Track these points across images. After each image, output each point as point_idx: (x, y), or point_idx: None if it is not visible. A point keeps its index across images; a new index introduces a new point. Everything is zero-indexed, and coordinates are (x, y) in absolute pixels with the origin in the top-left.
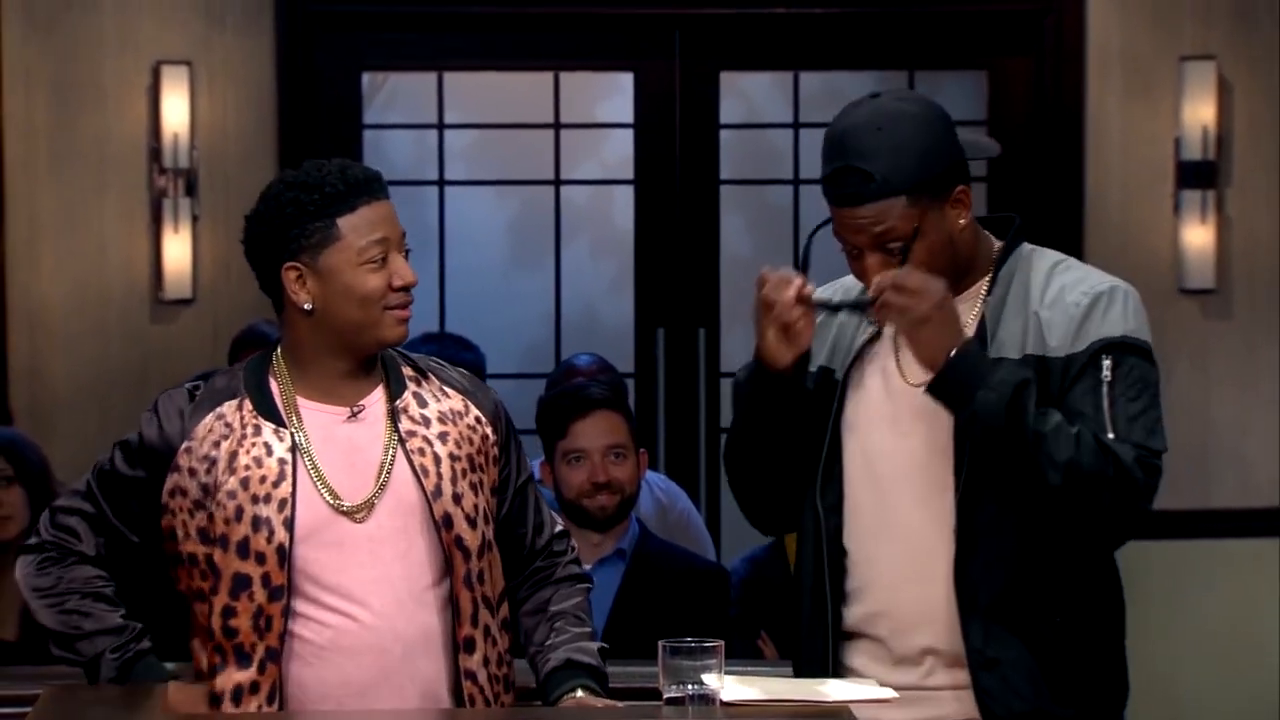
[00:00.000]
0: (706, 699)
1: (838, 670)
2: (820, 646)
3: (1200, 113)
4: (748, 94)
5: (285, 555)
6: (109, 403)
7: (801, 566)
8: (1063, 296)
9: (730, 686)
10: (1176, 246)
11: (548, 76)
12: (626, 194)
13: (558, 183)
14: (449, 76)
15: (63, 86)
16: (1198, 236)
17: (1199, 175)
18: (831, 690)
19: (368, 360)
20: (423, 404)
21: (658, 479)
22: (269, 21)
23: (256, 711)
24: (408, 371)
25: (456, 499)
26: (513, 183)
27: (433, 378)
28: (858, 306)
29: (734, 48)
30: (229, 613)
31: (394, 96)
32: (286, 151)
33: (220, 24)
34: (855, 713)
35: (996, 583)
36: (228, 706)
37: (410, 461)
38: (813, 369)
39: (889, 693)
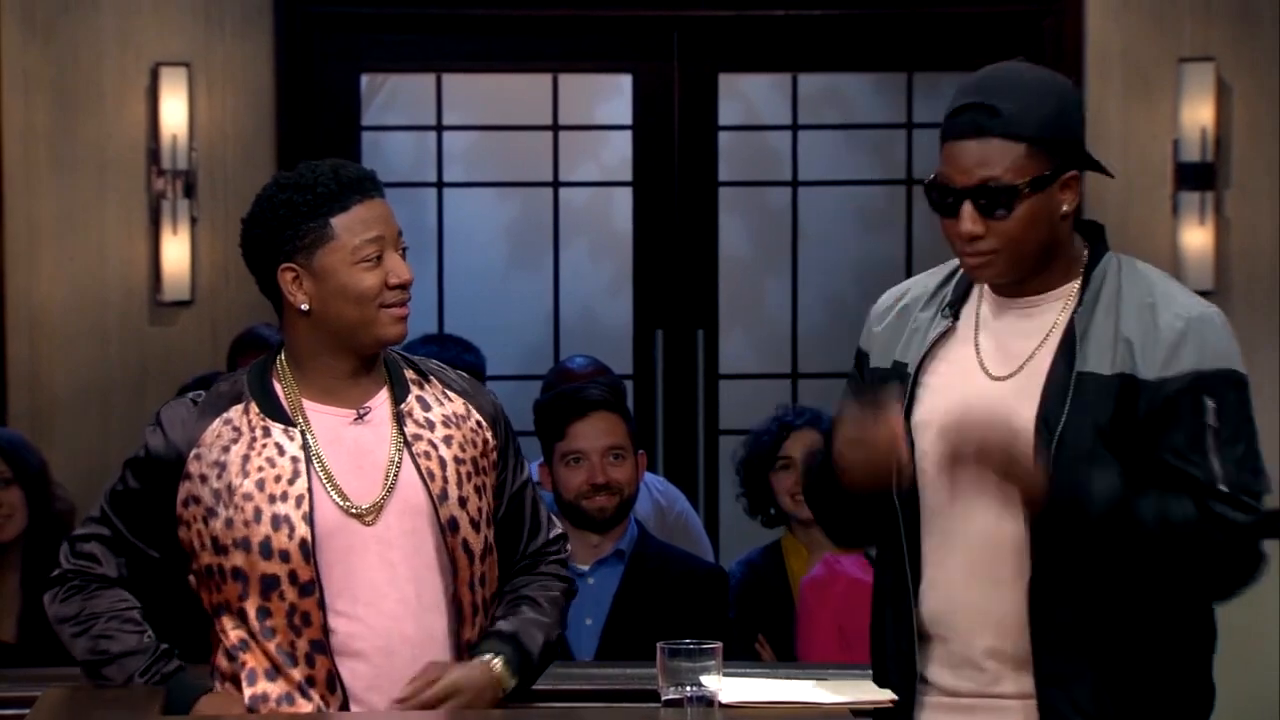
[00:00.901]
0: (705, 701)
1: (912, 673)
2: (900, 647)
3: (1199, 114)
4: (746, 95)
5: (309, 551)
6: (108, 405)
7: (880, 564)
8: (1155, 317)
9: (729, 688)
10: (1175, 248)
11: (546, 78)
12: (625, 195)
13: (556, 184)
14: (448, 78)
15: (62, 89)
16: (1196, 238)
17: (1198, 177)
18: (830, 692)
19: (369, 361)
20: (426, 407)
21: (656, 481)
22: (268, 23)
23: (315, 711)
24: (409, 374)
25: (462, 502)
26: (511, 184)
27: (434, 380)
28: None
29: (733, 49)
30: (264, 614)
31: (393, 98)
32: (285, 153)
33: (219, 26)
34: (855, 715)
35: (1073, 602)
36: (281, 708)
37: (417, 465)
38: (886, 365)
39: (888, 695)
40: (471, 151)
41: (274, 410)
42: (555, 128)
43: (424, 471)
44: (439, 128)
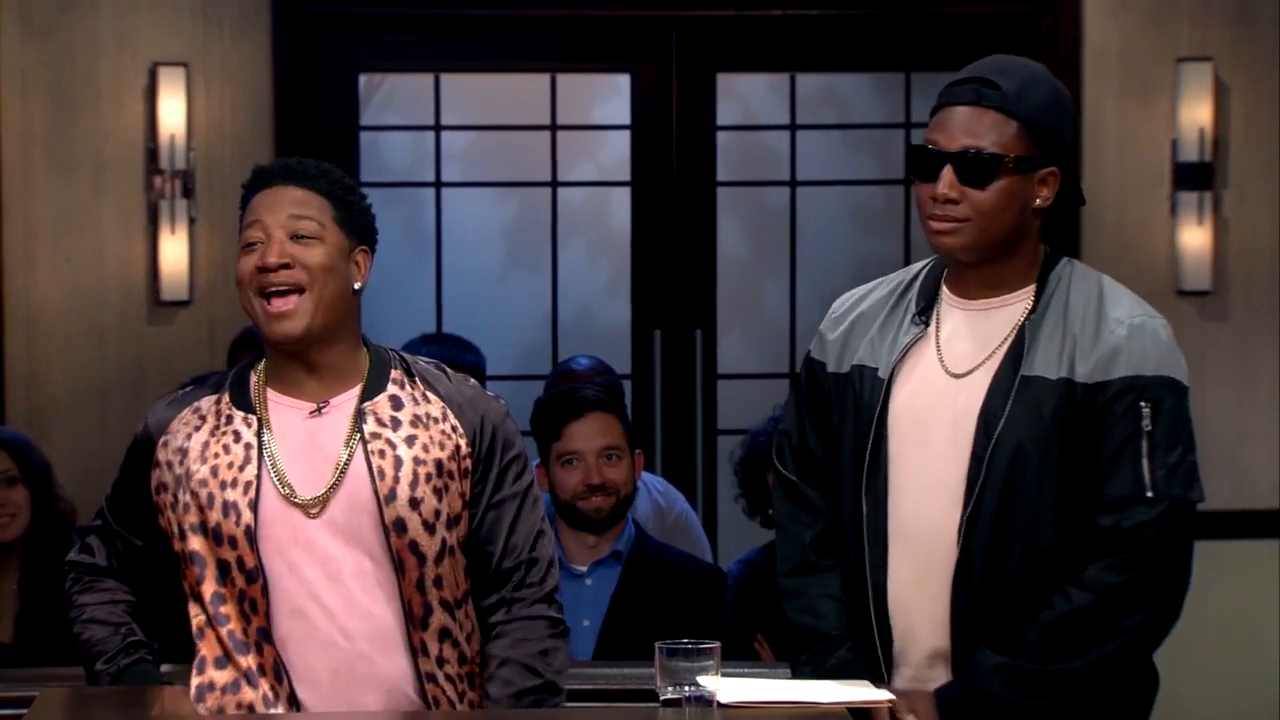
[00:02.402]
0: (703, 701)
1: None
2: (868, 649)
3: (1197, 114)
4: (744, 96)
5: (252, 537)
6: (106, 404)
7: (849, 557)
8: (1099, 322)
9: (727, 688)
10: (1173, 248)
11: (544, 78)
12: (623, 195)
13: (554, 184)
14: (446, 78)
15: (59, 89)
16: (1194, 238)
17: (1195, 177)
18: (827, 692)
19: (332, 356)
20: (397, 406)
21: (655, 481)
22: (266, 23)
23: (260, 698)
24: (395, 373)
25: (414, 503)
26: (509, 184)
27: (419, 381)
28: None
29: (731, 49)
30: (219, 599)
31: (391, 98)
32: (283, 153)
33: (217, 26)
34: (851, 715)
35: (988, 605)
36: (224, 698)
37: (369, 462)
38: (843, 370)
39: (886, 694)
40: (469, 151)
41: (241, 399)
42: (553, 128)
43: (375, 470)
44: (437, 127)
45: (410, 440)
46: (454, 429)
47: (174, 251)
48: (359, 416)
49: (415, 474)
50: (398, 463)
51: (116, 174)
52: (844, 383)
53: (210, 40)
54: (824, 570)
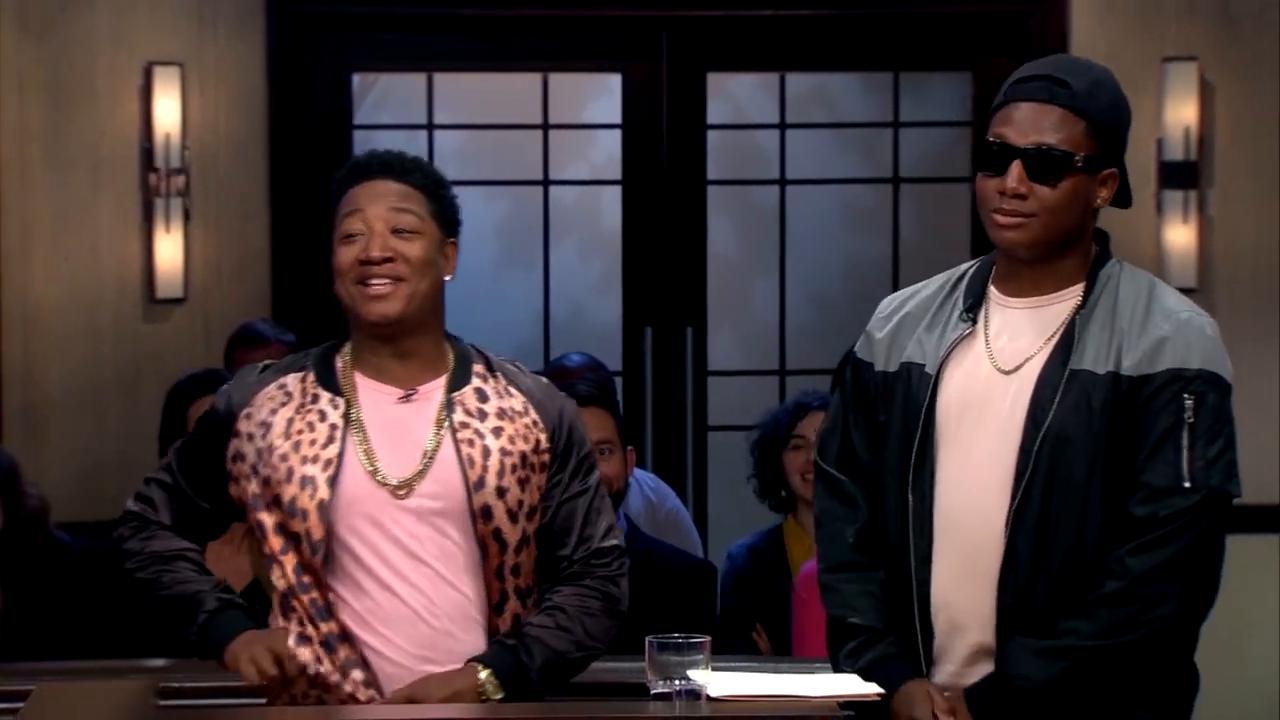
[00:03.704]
0: (694, 694)
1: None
2: (908, 646)
3: (1182, 114)
4: (734, 95)
5: (325, 510)
6: (102, 401)
7: (893, 553)
8: (1146, 317)
9: (717, 682)
10: (1159, 246)
11: (536, 78)
12: (614, 194)
13: (546, 183)
14: (438, 77)
15: (56, 88)
16: (1180, 236)
17: (1181, 175)
18: (817, 686)
19: (419, 345)
20: (484, 399)
21: (647, 478)
22: (260, 23)
23: (332, 669)
24: (478, 367)
25: (500, 492)
26: (502, 183)
27: (501, 376)
28: None
29: (721, 49)
30: (300, 569)
31: (384, 97)
32: (278, 152)
33: (212, 26)
34: (842, 708)
35: (1034, 599)
36: (320, 650)
37: (459, 451)
38: (892, 369)
39: (874, 689)
40: (462, 150)
41: (327, 380)
42: (545, 127)
43: (464, 458)
44: (430, 126)
45: (497, 432)
46: (535, 423)
47: (169, 249)
48: (449, 406)
49: (502, 464)
50: (486, 452)
51: (112, 172)
52: (893, 380)
53: (205, 40)
54: (865, 569)
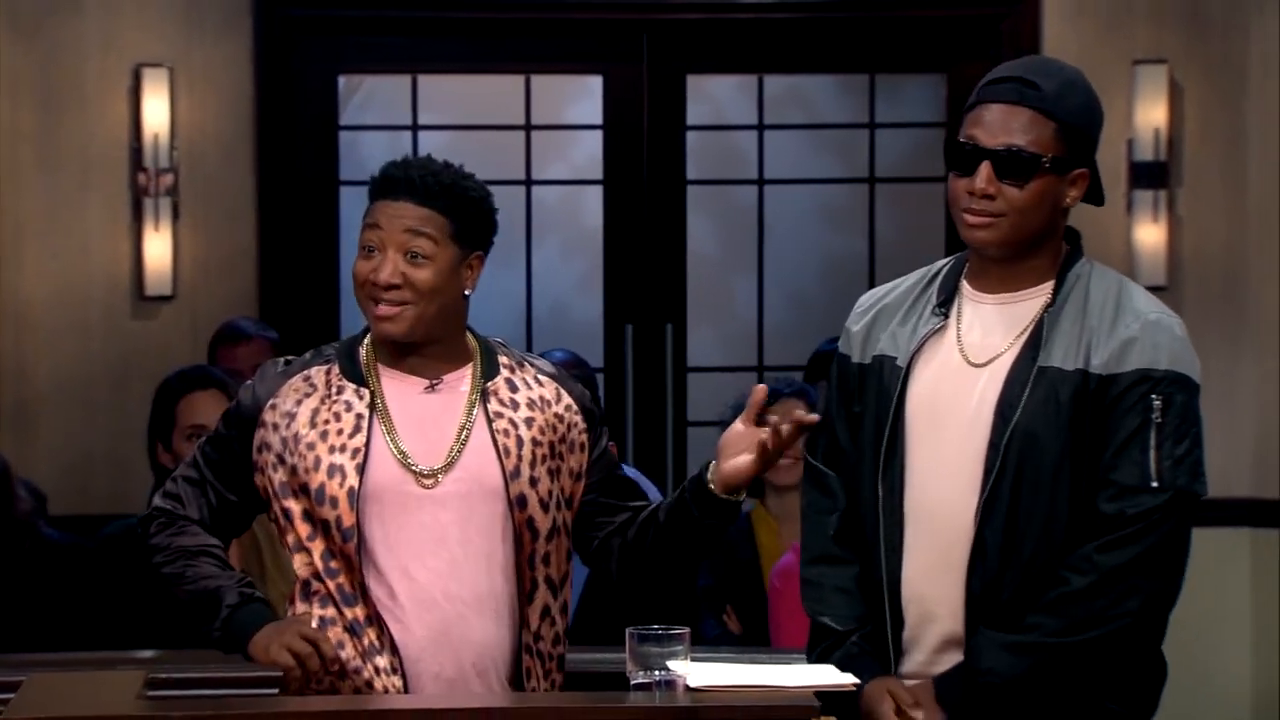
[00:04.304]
0: (673, 684)
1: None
2: (879, 636)
3: (1152, 115)
4: (714, 96)
5: (354, 498)
6: (91, 397)
7: (867, 544)
8: (1116, 317)
9: (696, 672)
10: (1129, 245)
11: (519, 79)
12: (596, 194)
13: (529, 183)
14: (423, 79)
15: (46, 89)
16: (1150, 235)
17: (1151, 176)
18: (795, 676)
19: (440, 343)
20: (514, 389)
21: (628, 472)
22: (247, 25)
23: (364, 647)
24: (504, 359)
25: (533, 482)
26: (485, 182)
27: (529, 366)
28: None
29: (700, 51)
30: (328, 555)
31: (369, 98)
32: (264, 152)
33: (200, 28)
34: (817, 698)
35: (1002, 591)
36: (343, 635)
37: (495, 440)
38: (866, 361)
39: (850, 679)
40: (446, 151)
41: (352, 372)
42: (528, 128)
43: (500, 447)
44: (414, 127)
45: (529, 422)
46: (569, 408)
47: (158, 248)
48: (483, 396)
49: (534, 454)
50: (519, 442)
51: (102, 172)
52: (867, 372)
53: (193, 42)
54: (842, 562)
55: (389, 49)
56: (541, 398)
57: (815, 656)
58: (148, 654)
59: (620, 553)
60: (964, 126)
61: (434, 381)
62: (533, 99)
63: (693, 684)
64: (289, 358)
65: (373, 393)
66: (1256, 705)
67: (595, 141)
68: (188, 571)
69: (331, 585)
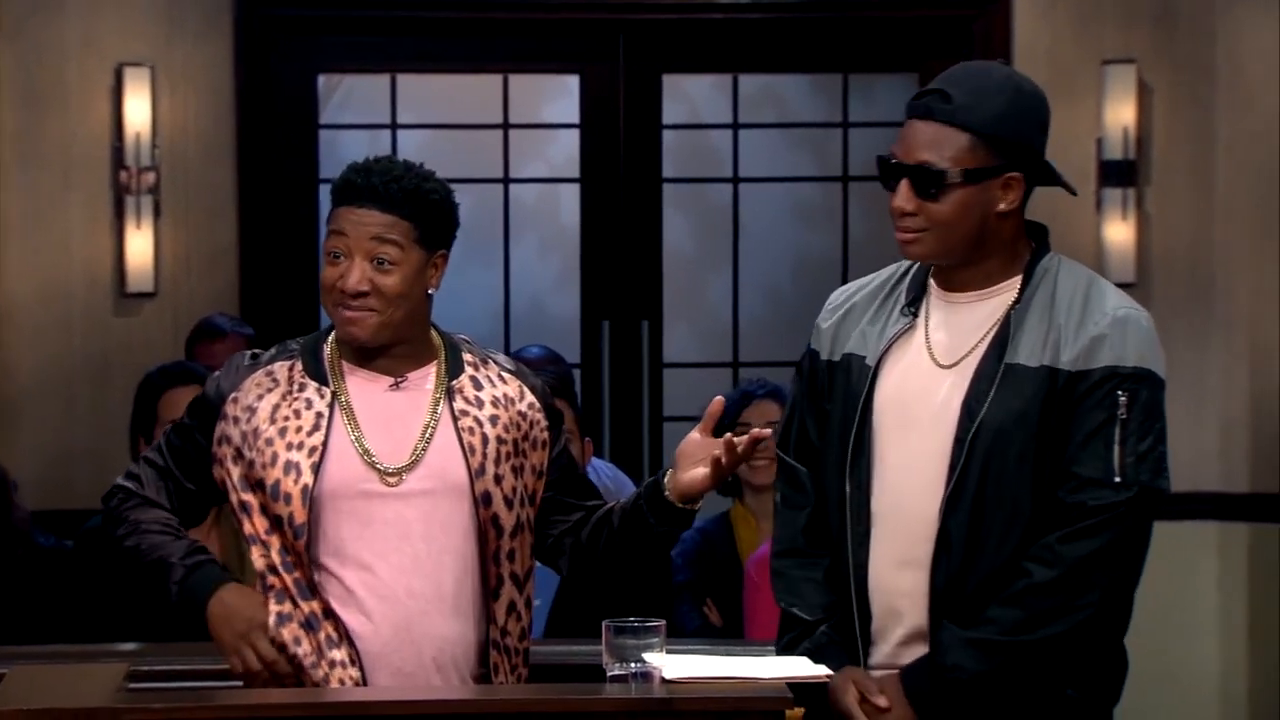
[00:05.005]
0: (649, 676)
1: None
2: (846, 629)
3: (1121, 114)
4: (689, 96)
5: (308, 496)
6: (73, 392)
7: (834, 538)
8: (1084, 313)
9: (671, 664)
10: (1099, 242)
11: (497, 79)
12: (573, 192)
13: (506, 181)
14: (402, 78)
15: (28, 89)
16: (1119, 232)
17: (1120, 174)
18: (769, 668)
19: (407, 344)
20: (478, 387)
21: (605, 467)
22: (228, 25)
23: (320, 640)
24: (468, 356)
25: (498, 479)
26: (463, 181)
27: (492, 364)
28: None
29: (676, 51)
30: (285, 550)
31: (348, 97)
32: (245, 150)
33: (181, 28)
34: (791, 689)
35: (966, 585)
36: (299, 631)
37: (460, 439)
38: (835, 359)
39: (824, 670)
40: (424, 149)
41: (315, 370)
42: (505, 126)
43: (466, 445)
44: (393, 126)
45: (494, 420)
46: (533, 406)
47: (140, 245)
48: (449, 394)
49: (499, 452)
50: (484, 440)
51: (84, 171)
52: (835, 370)
53: (174, 42)
54: (811, 555)
55: (368, 49)
56: (505, 395)
57: (783, 645)
58: (129, 647)
59: (573, 551)
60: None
61: (398, 380)
62: (510, 98)
63: (668, 676)
64: (256, 351)
65: (335, 392)
66: (1224, 698)
67: (572, 140)
68: (143, 543)
69: (289, 579)
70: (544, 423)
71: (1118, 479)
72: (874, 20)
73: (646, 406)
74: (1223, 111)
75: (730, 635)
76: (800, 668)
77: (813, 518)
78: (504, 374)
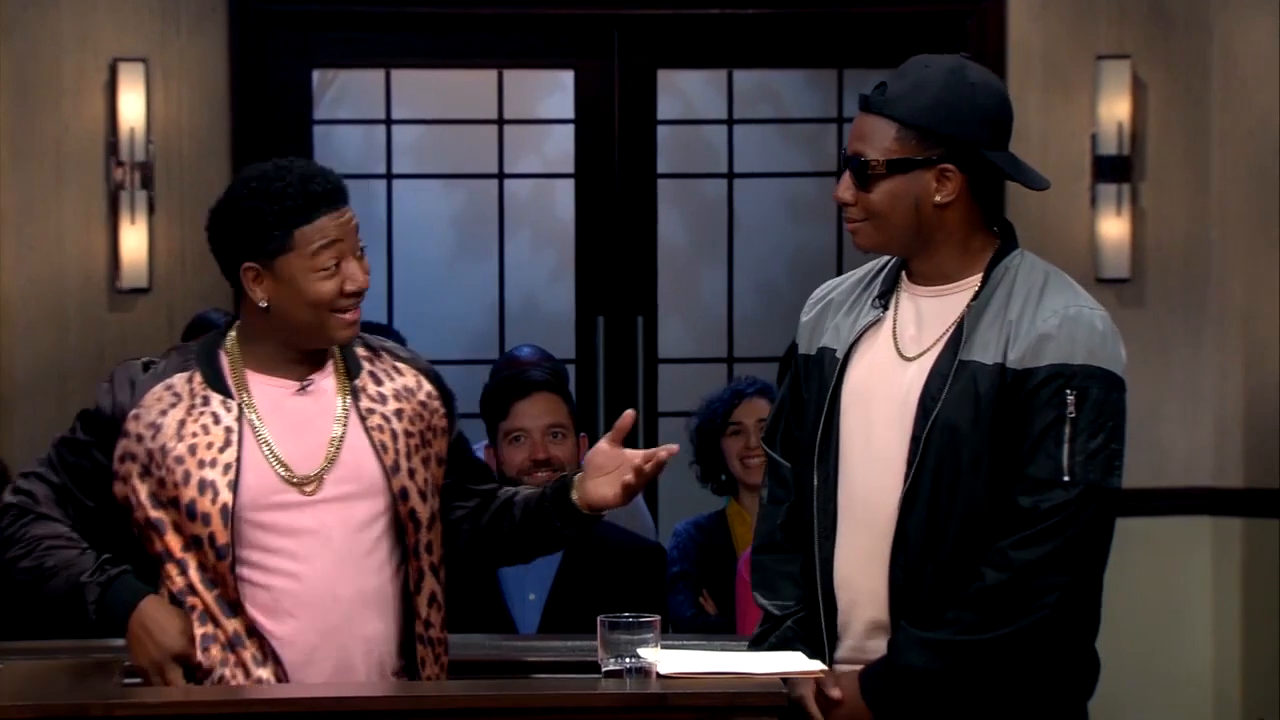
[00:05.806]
0: (643, 672)
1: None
2: (813, 622)
3: (1115, 110)
4: (684, 91)
5: (228, 515)
6: (67, 388)
7: (803, 535)
8: (1036, 311)
9: (666, 659)
10: (1093, 238)
11: (491, 74)
12: (567, 187)
13: (501, 176)
14: (396, 74)
15: (22, 84)
16: (1113, 228)
17: (1114, 169)
18: (763, 663)
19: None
20: (379, 382)
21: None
22: (222, 20)
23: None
24: (361, 351)
25: (411, 474)
26: (458, 176)
27: (385, 355)
28: None
29: (671, 47)
30: (202, 568)
31: (343, 93)
32: (239, 145)
33: (175, 23)
34: (786, 684)
35: (924, 581)
36: (225, 654)
37: (370, 438)
38: (811, 352)
39: (819, 665)
40: (419, 145)
41: (216, 381)
42: (500, 122)
43: (377, 444)
44: (388, 121)
45: (399, 414)
46: (430, 394)
47: (134, 241)
48: (354, 394)
49: (408, 446)
50: (394, 436)
51: (78, 166)
52: (812, 364)
53: (168, 37)
54: (786, 551)
55: (362, 44)
56: (405, 387)
57: (753, 639)
58: (122, 642)
59: (469, 537)
60: None
61: (304, 383)
62: (505, 93)
63: (663, 671)
64: (147, 359)
65: (240, 404)
66: (1217, 694)
67: (567, 135)
68: (47, 561)
69: (210, 598)
70: (442, 410)
71: (1066, 478)
72: (868, 16)
73: (641, 402)
74: (1217, 107)
75: (724, 630)
76: (795, 663)
77: (791, 513)
78: (398, 364)
